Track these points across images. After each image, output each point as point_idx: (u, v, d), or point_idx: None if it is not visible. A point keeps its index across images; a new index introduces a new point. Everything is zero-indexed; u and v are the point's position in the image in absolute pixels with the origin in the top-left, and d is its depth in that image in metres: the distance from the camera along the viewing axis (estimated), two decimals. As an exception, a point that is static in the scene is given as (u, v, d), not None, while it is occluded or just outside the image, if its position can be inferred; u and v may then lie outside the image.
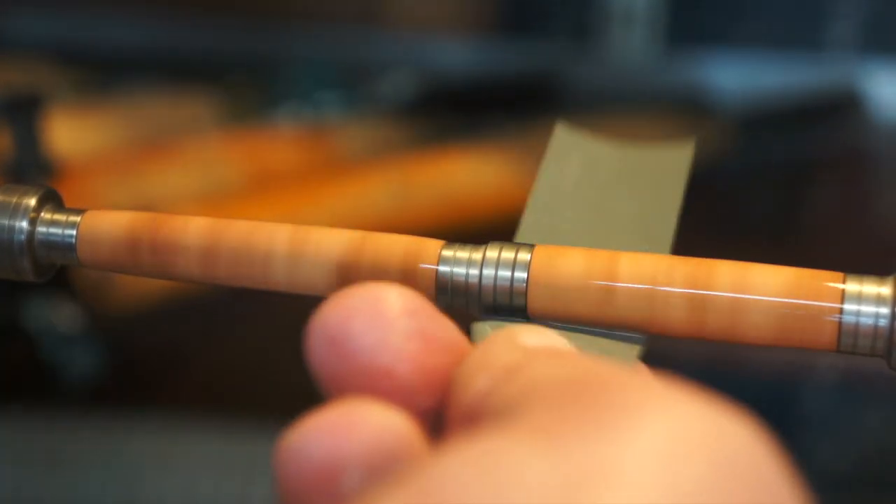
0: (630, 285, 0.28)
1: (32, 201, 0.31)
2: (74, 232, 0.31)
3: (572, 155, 0.34)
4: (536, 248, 0.29)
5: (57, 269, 0.33)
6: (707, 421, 0.19)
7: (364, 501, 0.17)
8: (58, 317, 0.74)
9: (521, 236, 0.31)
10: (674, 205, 0.33)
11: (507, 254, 0.29)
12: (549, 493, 0.17)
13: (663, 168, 0.34)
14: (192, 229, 0.31)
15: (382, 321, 0.21)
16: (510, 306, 0.29)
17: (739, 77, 1.13)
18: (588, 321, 0.28)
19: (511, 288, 0.29)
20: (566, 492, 0.17)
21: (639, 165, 0.35)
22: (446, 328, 0.22)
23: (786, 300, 0.27)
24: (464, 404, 0.20)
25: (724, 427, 0.19)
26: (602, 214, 0.33)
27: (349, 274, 0.30)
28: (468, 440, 0.18)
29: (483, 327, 0.28)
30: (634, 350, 0.29)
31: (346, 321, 0.21)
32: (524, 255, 0.29)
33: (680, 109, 1.02)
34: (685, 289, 0.27)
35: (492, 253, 0.29)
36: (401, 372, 0.21)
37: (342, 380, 0.21)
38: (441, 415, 0.21)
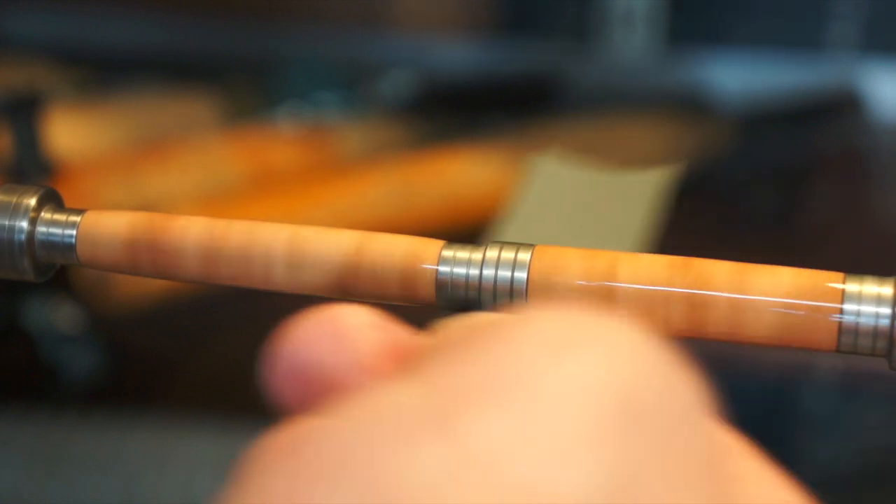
0: (630, 286, 0.28)
1: (32, 201, 0.31)
2: (74, 232, 0.31)
3: (546, 181, 0.34)
4: (536, 249, 0.29)
5: (57, 269, 0.33)
6: (588, 325, 0.18)
7: (260, 472, 0.18)
8: (58, 317, 0.74)
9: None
10: (639, 228, 0.33)
11: (507, 254, 0.29)
12: (414, 418, 0.17)
13: (635, 192, 0.34)
14: (192, 229, 0.31)
15: (341, 340, 0.22)
16: (510, 306, 0.29)
17: (739, 77, 1.13)
18: (588, 321, 0.28)
19: (511, 288, 0.29)
20: (433, 415, 0.17)
21: (611, 190, 0.35)
22: (402, 334, 0.22)
23: (786, 300, 0.27)
24: None
25: (610, 332, 0.18)
26: (568, 236, 0.33)
27: (349, 274, 0.30)
28: (360, 396, 0.18)
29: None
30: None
31: (308, 346, 0.22)
32: (524, 256, 0.29)
33: (680, 109, 1.02)
34: (685, 289, 0.27)
35: (492, 253, 0.29)
36: (365, 385, 0.21)
37: (305, 401, 0.21)
38: None
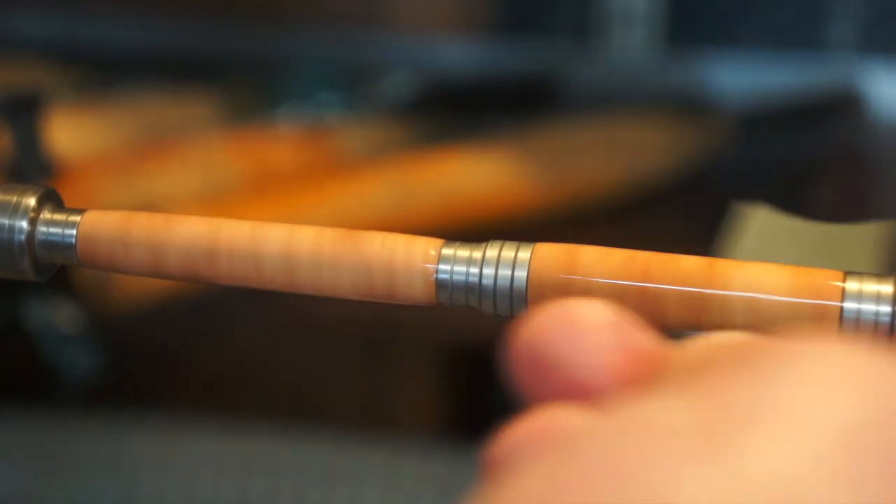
0: (630, 283, 0.28)
1: (32, 201, 0.31)
2: (74, 232, 0.31)
3: (761, 230, 0.34)
4: (536, 247, 0.29)
5: (57, 269, 0.33)
6: (864, 362, 0.18)
7: (520, 470, 0.18)
8: (58, 317, 0.74)
9: None
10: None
11: (507, 252, 0.29)
12: (689, 437, 0.17)
13: (856, 244, 0.34)
14: (192, 229, 0.31)
15: (580, 336, 0.22)
16: (510, 304, 0.29)
17: (739, 77, 1.13)
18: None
19: (511, 286, 0.29)
20: (702, 436, 0.17)
21: (829, 240, 0.35)
22: (642, 337, 0.22)
23: (786, 298, 0.27)
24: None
25: (873, 369, 0.18)
26: None
27: (349, 273, 0.30)
28: (621, 405, 0.18)
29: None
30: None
31: (547, 340, 0.22)
32: (524, 254, 0.29)
33: (680, 109, 1.02)
34: (685, 286, 0.28)
35: (492, 252, 0.29)
36: (601, 384, 0.21)
37: (545, 395, 0.22)
38: None
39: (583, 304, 0.22)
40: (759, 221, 0.33)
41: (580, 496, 0.17)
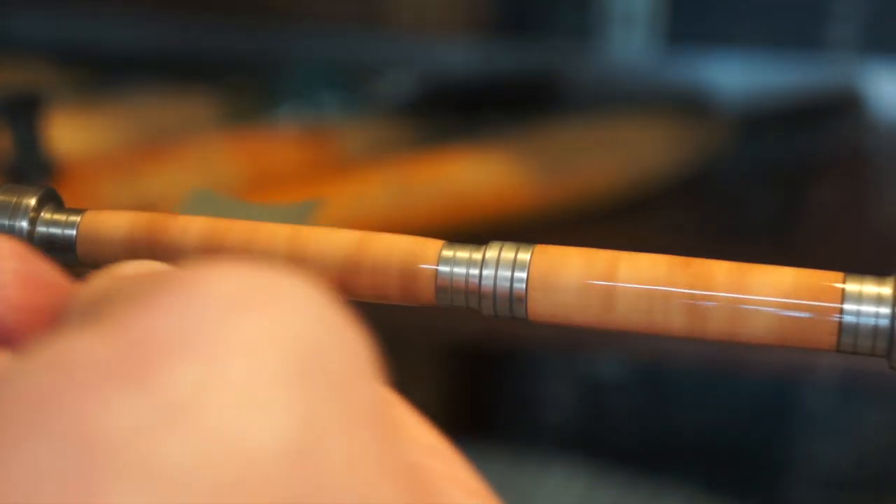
0: (630, 286, 0.28)
1: (32, 201, 0.31)
2: (74, 232, 0.31)
3: (206, 212, 0.34)
4: (536, 249, 0.29)
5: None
6: (264, 280, 0.19)
7: None
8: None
9: None
10: None
11: (507, 254, 0.29)
12: (110, 367, 0.17)
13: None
14: (192, 230, 0.31)
15: None
16: (510, 306, 0.29)
17: (739, 77, 1.13)
18: (588, 322, 0.28)
19: (511, 288, 0.29)
20: (125, 365, 0.17)
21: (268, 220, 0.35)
22: (47, 269, 0.23)
23: (786, 300, 0.27)
24: (50, 328, 0.22)
25: (284, 286, 0.19)
26: None
27: (349, 273, 0.30)
28: (43, 345, 0.18)
29: None
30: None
31: None
32: (524, 256, 0.29)
33: (680, 109, 1.02)
34: (685, 289, 0.27)
35: (492, 253, 0.29)
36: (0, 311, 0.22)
37: None
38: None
39: None
40: (200, 205, 0.33)
41: (8, 445, 0.17)
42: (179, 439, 0.17)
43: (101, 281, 0.22)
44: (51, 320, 0.22)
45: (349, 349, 0.19)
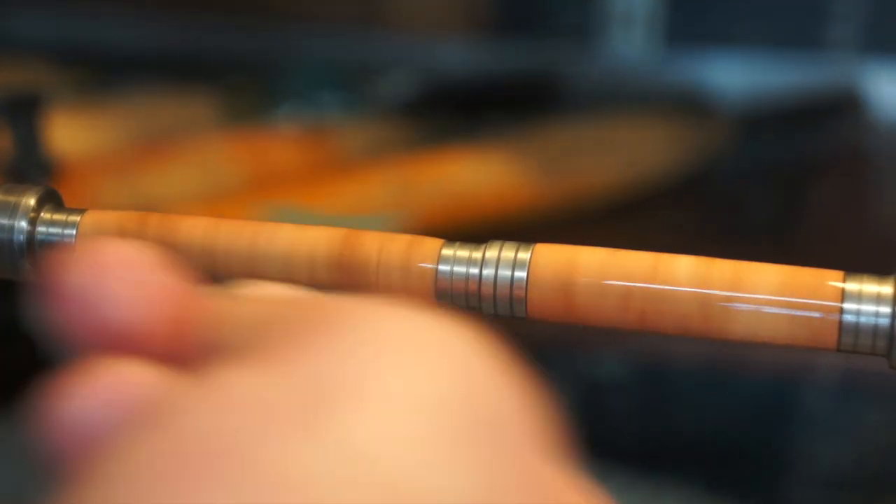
0: (630, 284, 0.28)
1: (32, 201, 0.31)
2: (74, 232, 0.31)
3: None
4: (536, 248, 0.29)
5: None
6: (433, 329, 0.19)
7: (111, 453, 0.18)
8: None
9: None
10: None
11: (507, 253, 0.29)
12: (285, 414, 0.17)
13: None
14: (192, 229, 0.31)
15: (107, 274, 0.21)
16: (510, 305, 0.29)
17: (739, 77, 1.13)
18: (587, 320, 0.28)
19: (511, 287, 0.29)
20: (299, 409, 0.17)
21: None
22: (174, 278, 0.22)
23: (786, 299, 0.27)
24: (201, 350, 0.21)
25: (453, 338, 0.19)
26: None
27: (349, 272, 0.30)
28: (200, 378, 0.18)
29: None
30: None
31: (72, 277, 0.21)
32: (524, 255, 0.29)
33: (680, 109, 1.02)
34: (685, 287, 0.27)
35: (491, 252, 0.29)
36: (130, 321, 0.21)
37: (77, 333, 0.22)
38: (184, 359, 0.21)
39: (110, 242, 0.22)
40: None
41: (187, 477, 0.16)
42: (360, 491, 0.16)
43: (250, 305, 0.22)
44: (185, 332, 0.21)
45: (528, 416, 0.19)
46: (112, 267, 0.21)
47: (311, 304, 0.21)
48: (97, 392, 0.20)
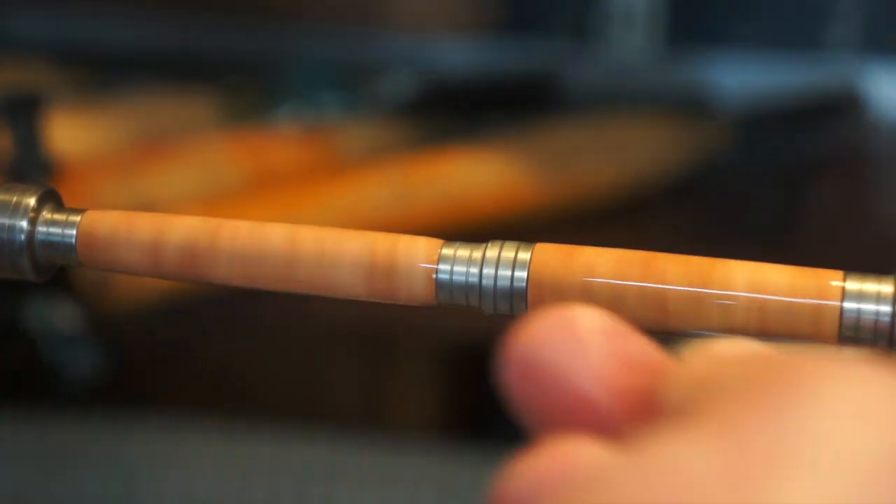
0: (631, 283, 0.28)
1: (32, 201, 0.31)
2: (74, 232, 0.31)
3: None
4: (536, 248, 0.29)
5: (57, 269, 0.33)
6: (884, 387, 0.18)
7: None
8: (58, 317, 0.74)
9: None
10: None
11: (507, 253, 0.29)
12: (722, 488, 0.17)
13: None
14: (192, 229, 0.31)
15: (577, 344, 0.21)
16: (510, 305, 0.29)
17: (739, 77, 1.13)
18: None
19: (511, 287, 0.29)
20: (733, 479, 0.17)
21: None
22: (641, 345, 0.22)
23: (786, 298, 0.27)
24: (659, 419, 0.20)
25: None
26: None
27: (349, 273, 0.30)
28: (644, 444, 0.18)
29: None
30: None
31: (541, 347, 0.21)
32: (524, 255, 0.29)
33: (680, 109, 1.02)
34: (686, 287, 0.27)
35: (492, 252, 0.29)
36: (598, 393, 0.21)
37: (539, 405, 0.21)
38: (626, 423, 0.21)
39: (578, 311, 0.21)
40: None
41: None
42: None
43: (699, 363, 0.20)
44: (647, 404, 0.21)
45: None
46: (589, 338, 0.21)
47: (768, 360, 0.20)
48: (543, 473, 0.20)
